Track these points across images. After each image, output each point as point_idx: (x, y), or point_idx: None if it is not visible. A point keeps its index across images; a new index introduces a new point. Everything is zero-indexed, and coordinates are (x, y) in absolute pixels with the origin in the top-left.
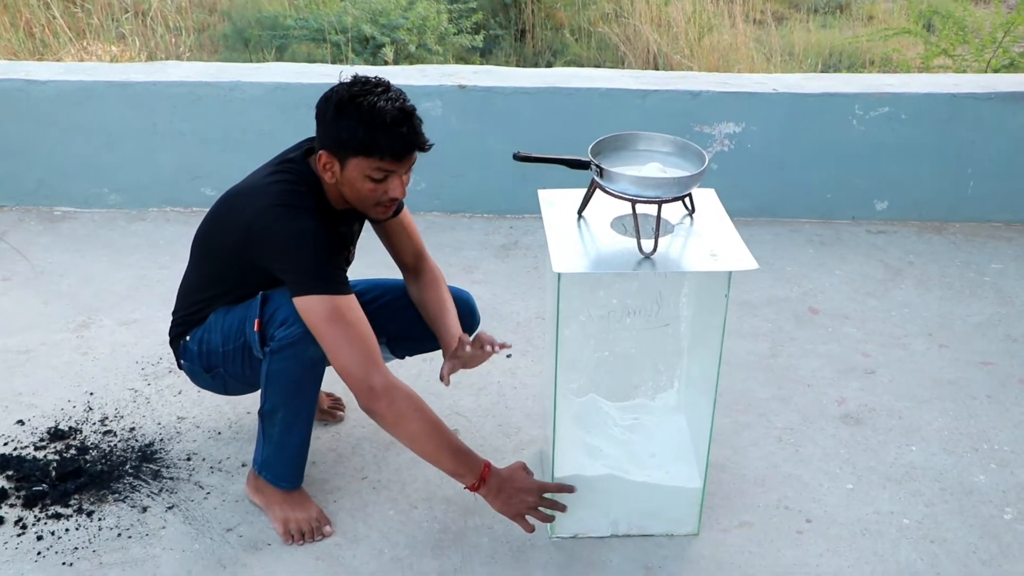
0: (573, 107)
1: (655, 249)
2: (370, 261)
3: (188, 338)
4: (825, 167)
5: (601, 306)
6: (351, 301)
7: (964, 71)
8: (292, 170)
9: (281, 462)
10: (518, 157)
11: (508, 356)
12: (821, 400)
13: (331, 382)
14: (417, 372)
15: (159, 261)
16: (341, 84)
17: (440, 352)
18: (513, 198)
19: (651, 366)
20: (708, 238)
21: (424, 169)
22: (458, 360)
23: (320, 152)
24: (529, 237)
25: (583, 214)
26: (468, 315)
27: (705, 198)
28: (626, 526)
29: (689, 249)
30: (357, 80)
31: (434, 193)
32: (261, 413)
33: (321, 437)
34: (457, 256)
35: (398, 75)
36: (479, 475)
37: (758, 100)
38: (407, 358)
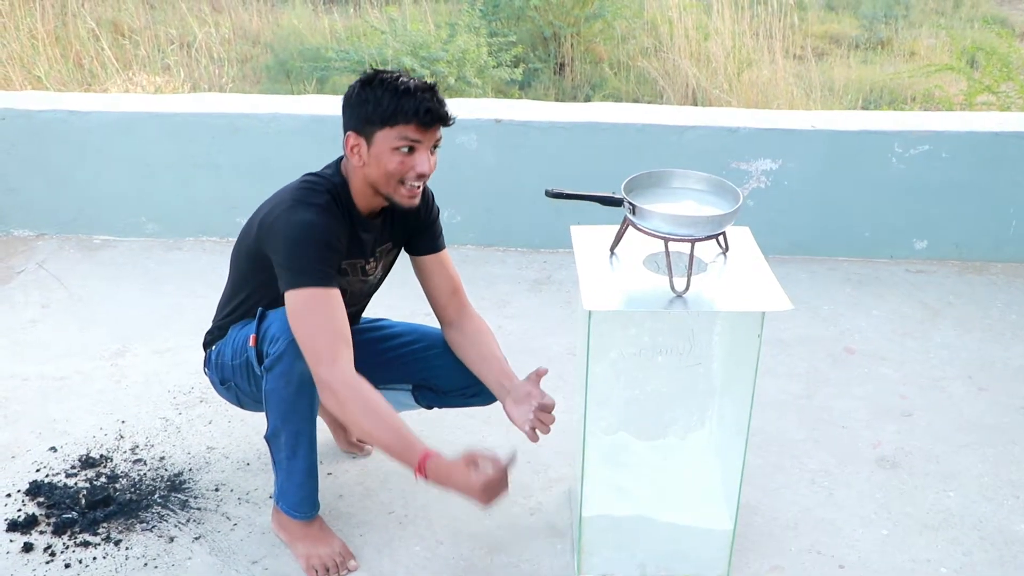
0: (609, 142)
1: (687, 288)
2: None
3: (213, 348)
4: (864, 205)
5: (632, 344)
6: (324, 293)
7: (1008, 108)
8: (319, 174)
9: (291, 490)
10: (550, 194)
11: None
12: (856, 442)
13: None
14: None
15: (194, 290)
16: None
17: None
18: (547, 232)
19: (682, 405)
20: (742, 277)
21: (459, 202)
22: (539, 409)
23: (348, 134)
24: (562, 272)
25: (615, 251)
26: None
27: (740, 236)
28: (654, 568)
29: (722, 288)
30: (380, 70)
31: (468, 226)
32: (266, 438)
33: (349, 471)
34: (490, 290)
35: None
36: (416, 464)
37: (796, 137)
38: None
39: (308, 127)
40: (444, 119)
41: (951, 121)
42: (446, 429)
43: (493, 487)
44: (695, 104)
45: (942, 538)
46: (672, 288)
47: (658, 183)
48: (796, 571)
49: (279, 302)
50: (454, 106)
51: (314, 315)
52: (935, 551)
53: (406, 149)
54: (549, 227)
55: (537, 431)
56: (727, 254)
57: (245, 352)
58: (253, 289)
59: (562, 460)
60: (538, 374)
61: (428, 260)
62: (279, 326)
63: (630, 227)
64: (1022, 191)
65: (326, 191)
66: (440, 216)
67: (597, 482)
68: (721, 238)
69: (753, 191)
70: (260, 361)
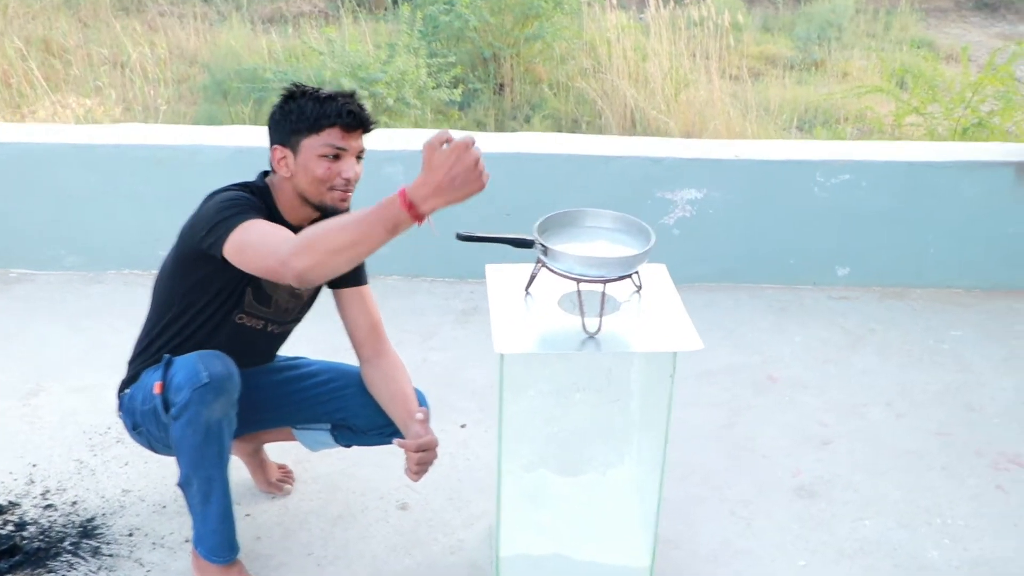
0: (539, 172)
1: (599, 328)
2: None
3: (127, 392)
4: (787, 233)
5: (549, 382)
6: (255, 221)
7: (934, 129)
8: (241, 183)
9: (208, 535)
10: (461, 237)
11: (463, 426)
12: (776, 472)
13: (279, 452)
14: None
15: (114, 325)
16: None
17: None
18: (475, 262)
19: (601, 442)
20: (655, 316)
21: None
22: (421, 452)
23: (274, 148)
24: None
25: (530, 290)
26: None
27: (654, 274)
28: None
29: (634, 328)
30: (301, 84)
31: (395, 257)
32: (179, 485)
33: (268, 511)
34: (417, 321)
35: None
36: (400, 206)
37: (720, 167)
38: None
39: (233, 158)
40: (366, 122)
41: (871, 151)
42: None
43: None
44: (634, 125)
45: (858, 566)
46: (584, 329)
47: (571, 223)
48: None
49: (195, 339)
50: (380, 136)
51: (255, 230)
52: None
53: (332, 156)
54: (476, 257)
55: (417, 472)
56: (641, 292)
57: (152, 399)
58: (172, 319)
59: (485, 496)
60: (419, 419)
61: (349, 294)
62: (184, 375)
63: (543, 268)
64: (938, 218)
65: (251, 193)
66: None
67: (515, 521)
68: (635, 276)
69: (679, 220)
70: (167, 409)
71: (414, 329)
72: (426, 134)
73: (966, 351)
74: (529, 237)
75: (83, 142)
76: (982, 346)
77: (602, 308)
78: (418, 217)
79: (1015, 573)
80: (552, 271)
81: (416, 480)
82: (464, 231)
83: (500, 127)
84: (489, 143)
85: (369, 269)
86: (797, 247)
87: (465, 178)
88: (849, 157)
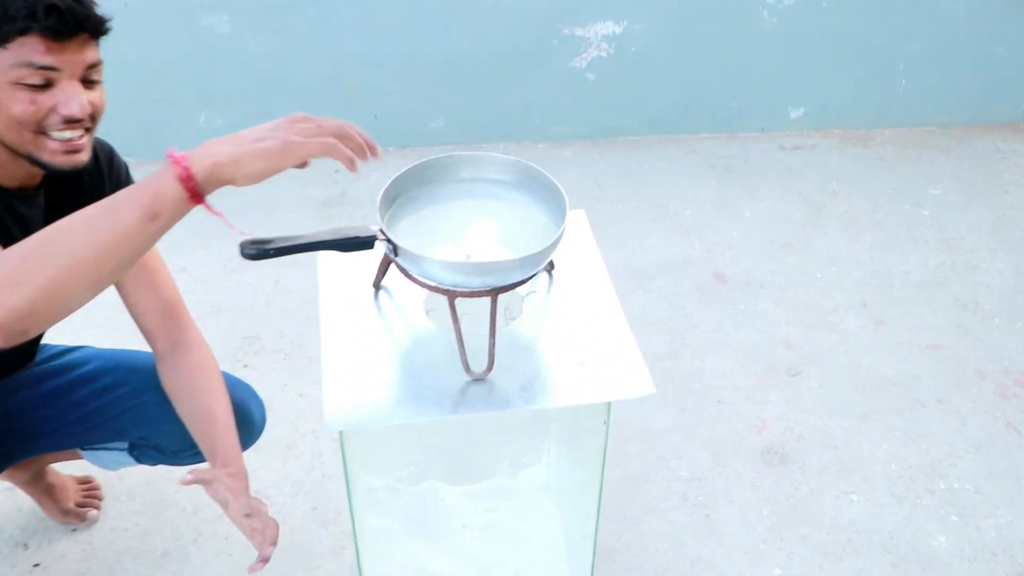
0: (408, 4)
1: (491, 367)
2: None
3: None
4: (729, 70)
5: (419, 453)
6: None
7: None
8: None
9: None
10: (248, 254)
11: None
12: (735, 424)
13: (84, 465)
14: None
15: None
16: None
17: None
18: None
19: (505, 504)
20: (576, 324)
21: (214, 101)
22: (213, 486)
23: None
24: (361, 185)
25: (383, 284)
26: (242, 426)
27: (571, 238)
28: None
29: (546, 355)
30: None
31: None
32: None
33: (67, 554)
34: (265, 220)
35: None
36: (175, 177)
37: None
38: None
39: None
40: (87, 21)
41: None
42: None
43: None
44: None
45: (848, 571)
46: (467, 370)
47: (437, 178)
48: None
49: None
50: None
51: None
52: None
53: (37, 82)
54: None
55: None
56: (552, 284)
57: None
58: None
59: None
60: (227, 483)
61: None
62: None
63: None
64: (913, 42)
65: None
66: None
67: (385, 559)
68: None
69: (593, 61)
70: None
71: (266, 227)
72: None
73: (949, 218)
74: (367, 233)
75: None
76: (968, 209)
77: (492, 335)
78: (194, 192)
79: None
80: (410, 278)
81: (263, 560)
82: (251, 239)
83: None
84: None
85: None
86: (741, 87)
87: (273, 128)
88: None
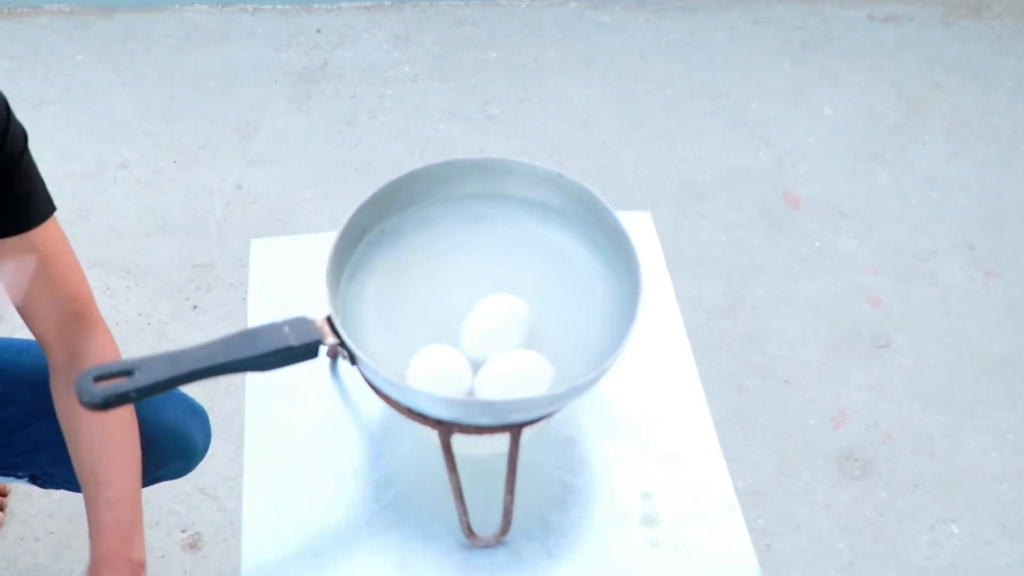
0: None
1: (506, 529)
2: None
3: None
4: None
5: None
6: None
7: None
8: None
9: None
10: (90, 398)
11: None
12: (806, 415)
13: None
14: None
15: None
16: None
17: None
18: None
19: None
20: (637, 446)
21: None
22: None
23: None
24: (346, 53)
25: (337, 366)
26: (176, 457)
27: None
28: None
29: (591, 506)
30: None
31: None
32: None
33: None
34: (229, 99)
35: None
36: None
37: None
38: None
39: None
40: None
41: None
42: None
43: None
44: None
45: None
46: (467, 533)
47: (428, 197)
48: None
49: None
50: None
51: None
52: None
53: None
54: None
55: None
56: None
57: None
58: None
59: None
60: None
61: (10, 250)
62: None
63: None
64: None
65: None
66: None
67: None
68: None
69: None
70: None
71: (224, 117)
72: None
73: None
74: (302, 340)
75: None
76: None
77: (512, 486)
78: None
79: None
80: (387, 401)
81: None
82: (101, 365)
83: None
84: None
85: None
86: None
87: None
88: None
